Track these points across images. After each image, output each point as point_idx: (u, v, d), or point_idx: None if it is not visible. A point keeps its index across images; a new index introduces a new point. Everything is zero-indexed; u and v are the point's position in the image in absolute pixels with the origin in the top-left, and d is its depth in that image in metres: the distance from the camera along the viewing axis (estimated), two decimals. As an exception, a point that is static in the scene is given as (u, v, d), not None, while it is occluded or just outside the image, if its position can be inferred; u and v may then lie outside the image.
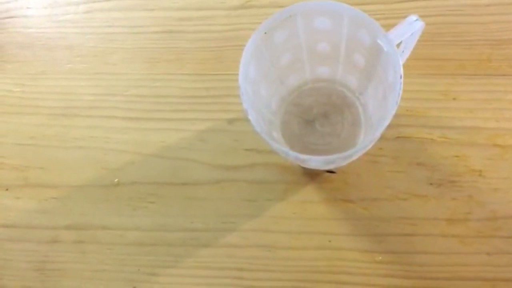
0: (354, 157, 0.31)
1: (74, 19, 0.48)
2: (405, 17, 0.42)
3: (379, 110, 0.34)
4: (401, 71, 0.28)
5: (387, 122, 0.28)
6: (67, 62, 0.47)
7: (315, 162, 0.31)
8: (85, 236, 0.41)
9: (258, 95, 0.35)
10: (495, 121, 0.39)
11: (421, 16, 0.42)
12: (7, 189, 0.43)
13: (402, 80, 0.28)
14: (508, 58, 0.41)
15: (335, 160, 0.30)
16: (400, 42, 0.31)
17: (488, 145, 0.39)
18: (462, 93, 0.40)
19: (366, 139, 0.36)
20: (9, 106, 0.46)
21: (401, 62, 0.29)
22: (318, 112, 0.41)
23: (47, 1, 0.49)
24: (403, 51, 0.33)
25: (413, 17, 0.30)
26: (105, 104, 0.44)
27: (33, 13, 0.49)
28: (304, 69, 0.39)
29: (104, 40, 0.47)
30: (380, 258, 0.37)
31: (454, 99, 0.40)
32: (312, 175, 0.40)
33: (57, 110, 0.45)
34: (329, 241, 0.38)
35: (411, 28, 0.30)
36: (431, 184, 0.39)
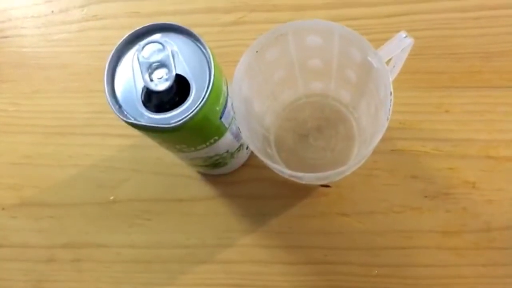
0: (347, 173, 0.31)
1: (68, 38, 0.48)
2: (395, 31, 0.42)
3: (372, 124, 0.35)
4: (391, 88, 0.28)
5: (379, 138, 0.28)
6: (62, 80, 0.47)
7: (309, 178, 0.31)
8: (82, 255, 0.41)
9: (252, 111, 0.35)
10: (488, 133, 0.39)
11: (411, 30, 0.43)
12: (3, 209, 0.43)
13: (392, 97, 0.28)
14: (499, 71, 0.41)
15: (328, 176, 0.30)
16: (391, 58, 0.31)
17: (481, 157, 0.39)
18: (455, 105, 0.41)
19: (359, 154, 0.36)
20: (4, 126, 0.46)
21: (391, 79, 0.29)
22: (312, 127, 0.41)
23: (41, 21, 0.50)
24: (394, 66, 0.34)
25: (403, 34, 0.30)
26: (100, 122, 0.45)
27: (28, 33, 0.49)
28: (297, 85, 0.39)
29: (98, 58, 0.47)
30: (376, 271, 0.38)
31: (446, 111, 0.40)
32: (307, 189, 0.40)
33: (52, 129, 0.45)
34: (325, 255, 0.38)
35: (400, 45, 0.30)
36: (425, 196, 0.39)
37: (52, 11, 0.50)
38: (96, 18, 0.49)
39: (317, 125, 0.41)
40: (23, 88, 0.47)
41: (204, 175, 0.42)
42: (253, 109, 0.35)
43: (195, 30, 0.46)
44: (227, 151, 0.36)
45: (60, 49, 0.48)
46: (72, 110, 0.46)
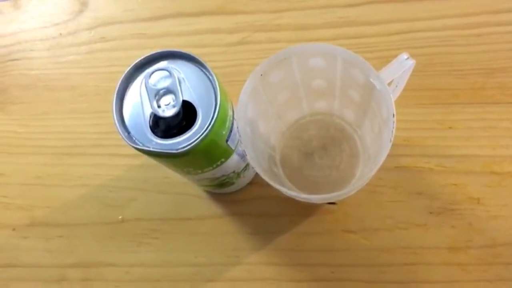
0: (352, 193, 0.32)
1: (76, 60, 0.49)
2: (398, 49, 0.43)
3: (376, 142, 0.35)
4: (394, 109, 0.29)
5: (382, 159, 0.29)
6: (70, 102, 0.48)
7: (314, 199, 0.32)
8: (92, 274, 0.42)
9: (257, 132, 0.36)
10: (491, 148, 0.40)
11: (414, 47, 0.44)
12: (14, 229, 0.44)
13: (395, 119, 0.28)
14: (501, 86, 0.41)
15: (333, 197, 0.31)
16: (393, 79, 0.32)
17: (485, 173, 0.39)
18: (458, 121, 0.41)
19: (364, 173, 0.37)
20: (14, 147, 0.47)
21: (394, 99, 0.30)
22: (317, 145, 0.41)
23: (50, 43, 0.51)
24: (396, 86, 0.34)
25: (404, 56, 0.30)
26: (108, 142, 0.45)
27: (36, 55, 0.50)
28: (302, 105, 0.39)
29: (106, 79, 0.48)
30: (383, 288, 0.38)
31: (450, 128, 0.41)
32: (313, 207, 0.41)
33: (61, 150, 0.46)
34: (332, 272, 0.39)
35: (402, 67, 0.30)
36: (430, 213, 0.39)
37: (60, 34, 0.51)
38: (104, 40, 0.50)
39: (322, 144, 0.41)
40: (32, 109, 0.48)
41: (212, 194, 0.42)
42: (258, 129, 0.36)
43: (200, 51, 0.47)
44: (234, 172, 0.36)
45: (68, 71, 0.49)
46: (80, 130, 0.47)
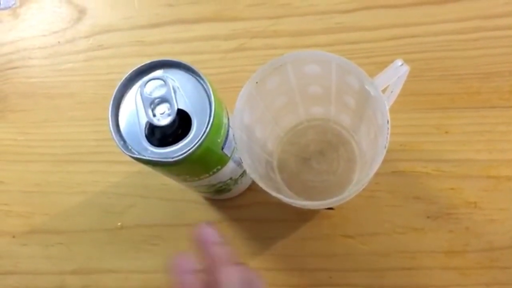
0: (348, 199, 0.32)
1: (74, 67, 0.50)
2: (395, 54, 0.43)
3: (372, 147, 0.35)
4: (388, 116, 0.29)
5: (377, 165, 0.29)
6: (69, 109, 0.48)
7: (311, 205, 0.32)
8: (91, 280, 0.42)
9: (254, 138, 0.36)
10: (488, 152, 0.40)
11: (410, 52, 0.44)
12: (13, 236, 0.44)
13: (389, 125, 0.29)
14: (497, 91, 0.41)
15: (329, 204, 0.31)
16: (388, 85, 0.32)
17: (482, 177, 0.39)
18: (454, 126, 0.41)
19: (360, 179, 0.37)
20: (14, 155, 0.47)
21: (389, 105, 0.30)
22: (314, 150, 0.42)
23: (48, 51, 0.51)
24: (391, 92, 0.34)
25: (398, 62, 0.31)
26: (106, 149, 0.45)
27: (35, 63, 0.51)
28: (298, 110, 0.40)
29: (104, 86, 0.48)
30: (381, 293, 0.38)
31: (446, 132, 0.41)
32: (311, 212, 0.41)
33: (61, 157, 0.46)
34: (330, 277, 0.39)
35: (396, 73, 0.31)
36: (428, 217, 0.39)
37: (59, 42, 0.51)
38: (102, 48, 0.50)
39: (319, 149, 0.41)
40: (31, 117, 0.49)
41: (209, 200, 0.43)
42: (255, 135, 0.36)
43: (197, 57, 0.47)
44: (231, 178, 0.36)
45: (67, 79, 0.50)
46: (79, 138, 0.47)
